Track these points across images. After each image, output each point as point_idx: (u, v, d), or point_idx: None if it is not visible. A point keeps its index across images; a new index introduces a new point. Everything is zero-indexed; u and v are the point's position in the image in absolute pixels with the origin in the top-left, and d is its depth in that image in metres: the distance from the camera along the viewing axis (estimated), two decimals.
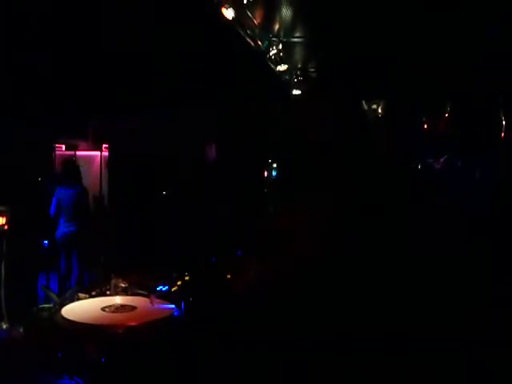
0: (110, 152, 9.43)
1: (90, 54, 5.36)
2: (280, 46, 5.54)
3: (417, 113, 8.84)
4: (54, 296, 2.06)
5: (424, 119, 8.93)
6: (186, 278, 2.37)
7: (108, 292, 2.18)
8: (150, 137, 8.46)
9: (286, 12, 4.69)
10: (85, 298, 2.11)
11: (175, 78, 6.15)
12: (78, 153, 9.40)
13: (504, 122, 7.79)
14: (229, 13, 4.00)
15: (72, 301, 2.05)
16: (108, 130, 9.19)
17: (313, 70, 7.33)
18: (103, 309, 1.97)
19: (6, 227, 2.04)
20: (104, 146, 9.50)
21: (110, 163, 9.32)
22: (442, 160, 7.69)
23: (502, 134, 7.80)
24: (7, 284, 2.06)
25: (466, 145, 7.96)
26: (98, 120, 9.11)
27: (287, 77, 6.67)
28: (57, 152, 8.83)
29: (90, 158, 9.29)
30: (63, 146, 9.11)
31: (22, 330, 1.93)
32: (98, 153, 9.49)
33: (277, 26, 5.11)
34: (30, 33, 4.74)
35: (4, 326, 1.99)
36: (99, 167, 9.37)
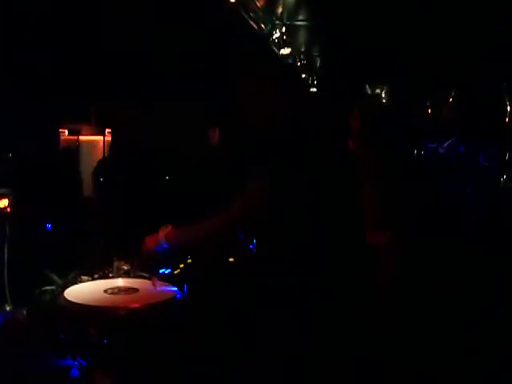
0: (113, 137, 9.41)
1: (93, 38, 5.33)
2: (283, 29, 5.48)
3: (421, 97, 8.81)
4: (56, 278, 2.06)
5: (428, 104, 8.90)
6: (189, 260, 2.38)
7: (110, 274, 2.19)
8: (153, 122, 8.43)
9: None
10: (87, 281, 2.12)
11: (177, 63, 6.11)
12: (81, 137, 9.38)
13: (508, 108, 7.76)
14: None
15: (74, 283, 2.06)
16: (111, 115, 9.16)
17: (316, 53, 7.27)
18: (106, 291, 1.97)
19: (8, 210, 2.03)
20: (107, 130, 9.48)
21: (113, 148, 9.30)
22: (446, 145, 7.66)
23: (507, 119, 7.77)
24: (10, 266, 2.07)
25: (469, 130, 7.94)
26: (101, 105, 9.08)
27: (290, 60, 6.62)
28: (60, 137, 8.81)
29: (93, 143, 9.27)
30: (66, 131, 9.10)
31: (25, 312, 1.94)
32: (101, 137, 9.47)
33: (280, 9, 5.05)
34: (32, 18, 4.71)
35: (8, 309, 2.00)
36: (102, 152, 9.36)
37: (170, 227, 2.33)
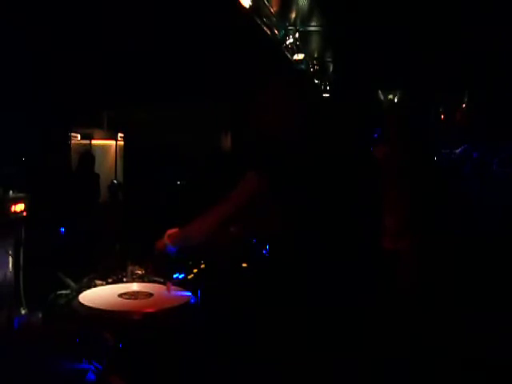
0: (125, 141, 9.46)
1: (105, 42, 5.37)
2: (296, 35, 5.49)
3: (434, 103, 8.78)
4: (71, 282, 2.07)
5: (441, 109, 8.87)
6: (202, 265, 2.38)
7: (125, 279, 2.19)
8: (164, 126, 8.47)
9: (302, 0, 4.65)
10: (102, 285, 2.13)
11: (189, 67, 6.14)
12: (94, 142, 9.44)
13: None
14: (246, 1, 3.98)
15: (89, 287, 2.07)
16: (123, 120, 9.21)
17: (329, 59, 7.28)
18: (120, 295, 1.98)
19: (24, 214, 2.05)
20: (119, 135, 9.52)
21: (125, 152, 9.35)
22: (459, 150, 7.63)
23: None
24: (25, 270, 2.08)
25: (482, 135, 7.90)
26: (113, 109, 9.14)
27: (303, 66, 6.62)
28: (72, 141, 8.86)
29: (105, 148, 9.32)
30: (78, 136, 9.15)
31: (40, 316, 1.95)
32: (113, 142, 9.52)
33: (293, 15, 5.06)
34: (45, 23, 4.75)
35: (23, 312, 2.01)
36: (114, 156, 9.40)
37: (174, 229, 2.32)
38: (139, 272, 2.24)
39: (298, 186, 2.20)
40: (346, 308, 2.18)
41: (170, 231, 2.32)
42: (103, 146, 9.21)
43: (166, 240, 2.29)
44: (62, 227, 3.72)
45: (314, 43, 6.26)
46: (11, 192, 2.04)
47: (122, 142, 9.50)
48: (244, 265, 2.54)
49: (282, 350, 2.11)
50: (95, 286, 2.11)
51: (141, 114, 8.95)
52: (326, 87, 8.32)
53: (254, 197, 2.19)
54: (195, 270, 2.37)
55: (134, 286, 2.10)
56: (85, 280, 2.13)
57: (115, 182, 8.06)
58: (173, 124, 8.42)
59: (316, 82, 7.53)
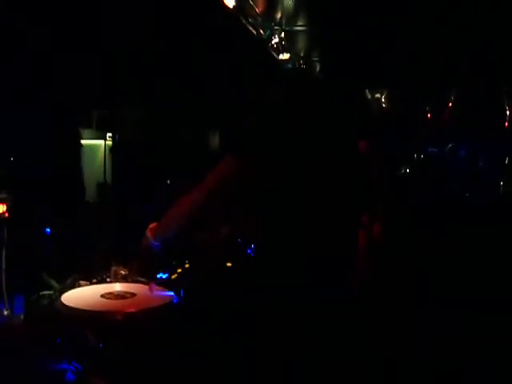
0: (114, 141, 9.44)
1: (94, 41, 5.35)
2: (282, 35, 5.51)
3: (420, 101, 8.82)
4: (54, 283, 2.08)
5: (427, 108, 8.90)
6: (186, 265, 2.39)
7: (108, 279, 2.20)
8: (154, 126, 8.45)
9: (287, 0, 4.66)
10: (85, 285, 2.13)
11: (178, 67, 6.14)
12: (82, 141, 9.38)
13: (508, 112, 7.76)
14: (229, 1, 3.99)
15: (72, 287, 2.07)
16: (112, 119, 9.19)
17: (316, 58, 7.30)
18: (103, 295, 1.99)
19: (6, 215, 2.05)
20: (108, 134, 9.49)
21: (114, 152, 9.33)
22: (447, 149, 7.67)
23: (506, 124, 7.78)
24: (8, 271, 2.08)
25: (469, 133, 7.95)
26: (102, 109, 9.11)
27: (290, 66, 6.64)
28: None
29: (94, 147, 9.29)
30: None
31: (22, 317, 1.95)
32: (101, 141, 9.48)
33: (279, 15, 5.08)
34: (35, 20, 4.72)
35: (5, 313, 2.01)
36: (103, 156, 9.38)
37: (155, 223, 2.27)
38: (123, 272, 2.24)
39: (281, 174, 2.10)
40: (337, 305, 2.18)
41: (152, 225, 2.27)
42: (92, 146, 9.18)
43: (147, 233, 2.24)
44: (47, 227, 3.70)
45: (300, 42, 6.28)
46: None
47: (111, 142, 9.47)
48: (228, 264, 2.55)
49: (267, 349, 2.11)
50: (79, 286, 2.12)
51: (130, 113, 8.93)
52: None
53: (228, 181, 2.09)
54: (179, 270, 2.37)
55: (117, 287, 2.11)
56: (68, 280, 2.14)
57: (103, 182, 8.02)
58: (162, 123, 8.41)
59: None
